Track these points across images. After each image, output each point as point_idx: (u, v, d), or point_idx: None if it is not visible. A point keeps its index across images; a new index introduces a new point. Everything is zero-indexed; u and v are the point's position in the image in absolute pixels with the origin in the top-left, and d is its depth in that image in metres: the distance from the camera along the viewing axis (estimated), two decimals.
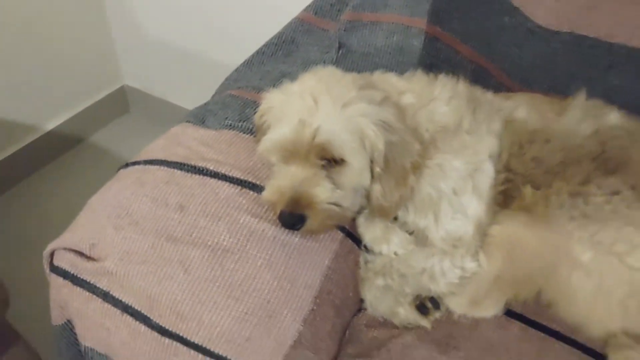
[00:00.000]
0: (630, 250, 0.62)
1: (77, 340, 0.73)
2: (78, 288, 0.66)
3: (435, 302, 0.69)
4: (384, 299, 0.68)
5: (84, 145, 1.82)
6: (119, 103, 1.91)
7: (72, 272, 0.67)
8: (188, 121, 0.76)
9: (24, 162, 1.65)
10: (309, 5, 0.92)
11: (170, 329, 0.61)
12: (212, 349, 0.60)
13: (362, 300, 0.70)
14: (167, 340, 0.62)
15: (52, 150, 1.73)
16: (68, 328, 0.73)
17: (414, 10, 0.81)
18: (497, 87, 0.77)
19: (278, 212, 0.62)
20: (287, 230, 0.63)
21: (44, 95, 1.65)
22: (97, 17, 1.71)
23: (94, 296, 0.65)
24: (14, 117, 1.59)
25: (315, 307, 0.63)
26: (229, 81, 0.85)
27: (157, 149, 0.72)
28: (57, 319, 0.73)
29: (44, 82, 1.63)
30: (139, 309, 0.63)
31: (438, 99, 0.70)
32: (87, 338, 0.69)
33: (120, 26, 1.74)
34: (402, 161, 0.65)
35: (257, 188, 0.66)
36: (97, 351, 0.68)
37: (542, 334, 0.67)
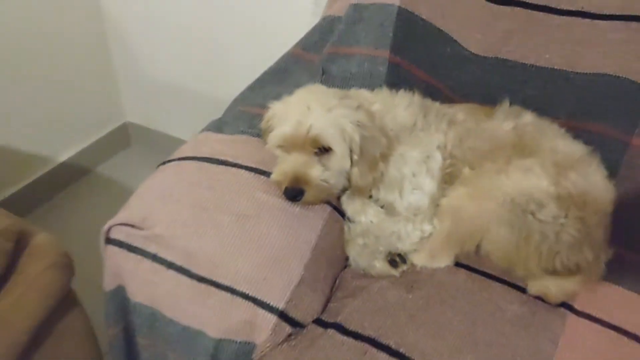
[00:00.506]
0: (540, 208, 0.86)
1: (124, 302, 0.93)
2: (131, 254, 0.87)
3: (402, 257, 0.91)
4: (363, 255, 0.91)
5: (91, 175, 2.01)
6: (122, 138, 2.11)
7: (126, 242, 0.88)
8: (208, 130, 0.99)
9: (39, 191, 1.85)
10: (298, 43, 1.17)
11: (205, 276, 0.82)
12: (237, 289, 0.81)
13: (347, 259, 0.93)
14: (203, 286, 0.83)
15: (63, 180, 1.92)
16: (118, 292, 0.93)
17: (378, 44, 1.07)
18: (444, 100, 1.02)
19: (283, 188, 0.85)
20: (290, 202, 0.87)
21: (57, 130, 1.85)
22: (103, 62, 1.93)
23: (145, 258, 0.86)
24: (31, 149, 1.79)
25: (312, 257, 0.85)
26: (237, 101, 1.09)
27: (187, 149, 0.95)
28: (109, 285, 0.93)
29: (56, 118, 1.83)
30: (180, 264, 0.84)
31: (398, 106, 0.95)
32: (137, 295, 0.89)
33: (123, 68, 1.95)
34: (373, 152, 0.89)
35: (266, 174, 0.89)
36: (144, 304, 0.88)
37: (482, 277, 0.89)
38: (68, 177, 1.93)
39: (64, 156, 1.90)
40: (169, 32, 1.72)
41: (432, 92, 1.03)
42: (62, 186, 1.91)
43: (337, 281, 0.91)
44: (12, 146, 1.71)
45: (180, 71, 1.82)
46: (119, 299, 0.93)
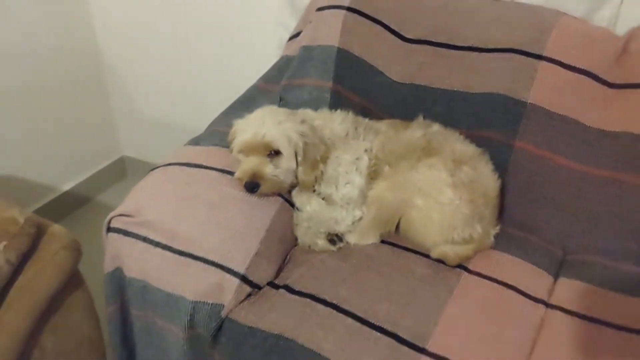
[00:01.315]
0: (440, 194, 1.12)
1: (121, 281, 1.17)
2: (127, 237, 1.12)
3: (339, 237, 1.16)
4: (308, 235, 1.16)
5: (91, 203, 2.25)
6: (119, 170, 2.35)
7: (123, 228, 1.12)
8: (188, 144, 1.27)
9: (45, 216, 2.05)
10: (261, 77, 1.46)
11: (184, 250, 1.07)
12: (209, 259, 1.06)
13: (296, 239, 1.19)
14: (182, 258, 1.07)
15: (66, 207, 2.15)
16: (116, 273, 1.17)
17: (324, 76, 1.35)
18: (374, 117, 1.30)
19: (244, 183, 1.12)
20: (249, 194, 1.13)
21: (60, 162, 2.07)
22: (101, 101, 2.17)
23: (138, 240, 1.11)
24: (38, 179, 2.03)
25: (266, 235, 1.11)
26: (212, 124, 1.36)
27: (171, 158, 1.21)
28: (108, 267, 1.17)
29: (60, 152, 2.06)
30: (165, 243, 1.09)
31: (335, 121, 1.22)
32: (132, 271, 1.13)
33: (119, 106, 2.19)
34: (314, 155, 1.15)
35: (231, 173, 1.15)
36: (137, 278, 1.12)
37: (400, 249, 1.15)
38: (70, 205, 2.15)
39: (66, 186, 2.12)
40: (161, 74, 2.01)
41: (365, 112, 1.30)
42: (66, 213, 2.13)
43: (288, 256, 1.16)
44: (20, 175, 1.94)
45: (170, 108, 2.09)
46: (116, 279, 1.17)
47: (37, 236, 1.09)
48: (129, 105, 2.18)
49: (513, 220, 1.18)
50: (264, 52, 1.65)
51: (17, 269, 1.05)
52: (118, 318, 1.21)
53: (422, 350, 0.94)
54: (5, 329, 1.03)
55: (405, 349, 0.95)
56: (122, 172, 2.35)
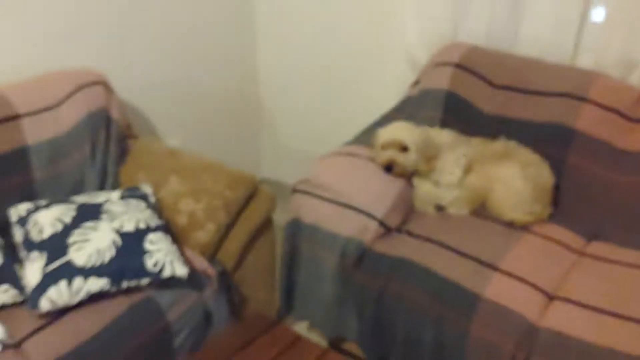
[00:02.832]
0: (512, 183, 1.69)
1: (296, 227, 1.79)
2: (306, 195, 1.76)
3: (442, 207, 1.76)
4: (422, 203, 1.76)
5: None
6: None
7: (304, 189, 1.77)
8: (347, 144, 1.92)
9: None
10: (392, 108, 2.11)
11: (343, 202, 1.69)
12: (359, 208, 1.67)
13: (413, 206, 1.79)
14: (341, 208, 1.69)
15: None
16: (294, 222, 1.80)
17: (436, 108, 1.99)
18: (470, 136, 1.92)
19: (383, 166, 1.75)
20: (386, 173, 1.75)
21: None
22: (252, 133, 2.88)
23: (313, 197, 1.75)
24: None
25: (395, 199, 1.71)
26: (359, 135, 2.02)
27: (336, 151, 1.87)
28: (289, 218, 1.82)
29: None
30: (331, 198, 1.72)
31: (443, 135, 1.84)
32: (307, 218, 1.75)
33: (267, 137, 2.95)
34: (429, 153, 1.77)
35: (374, 161, 1.80)
36: (309, 223, 1.73)
37: (484, 219, 1.72)
38: None
39: None
40: (305, 112, 2.70)
41: (463, 133, 1.93)
42: None
43: (408, 216, 1.77)
44: None
45: (309, 139, 2.74)
46: (294, 226, 1.80)
47: (256, 189, 1.77)
48: (274, 136, 2.83)
49: (562, 207, 1.74)
50: (387, 94, 2.31)
51: (244, 206, 1.72)
52: (289, 253, 1.84)
53: (495, 269, 1.50)
54: (235, 239, 1.69)
55: (484, 267, 1.52)
56: None
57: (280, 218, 1.82)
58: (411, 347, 1.57)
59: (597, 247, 1.59)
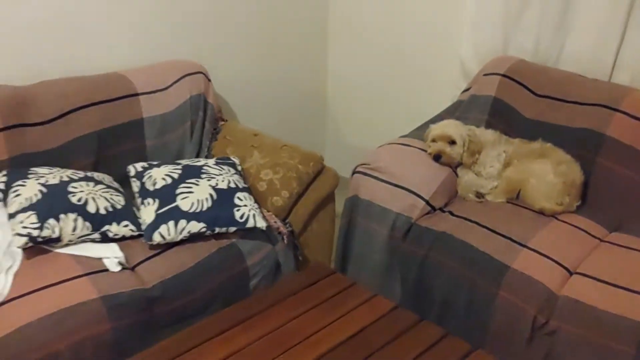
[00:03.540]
0: (545, 177, 1.93)
1: (354, 203, 2.08)
2: (364, 176, 2.03)
3: (482, 195, 2.01)
4: (465, 190, 2.01)
5: None
6: None
7: (363, 171, 2.04)
8: (402, 136, 2.21)
9: None
10: (442, 111, 2.39)
11: (396, 183, 1.97)
12: (409, 188, 1.95)
13: (456, 192, 2.05)
14: (394, 188, 1.96)
15: None
16: (353, 198, 2.09)
17: (483, 112, 2.26)
18: (511, 137, 2.17)
19: (433, 155, 2.02)
20: (434, 162, 2.03)
21: None
22: (318, 130, 3.29)
23: (371, 178, 2.03)
24: None
25: (441, 184, 1.98)
26: (414, 130, 2.30)
27: (394, 141, 2.16)
28: (349, 195, 2.12)
29: None
30: (385, 179, 1.99)
31: (487, 133, 2.10)
32: (364, 195, 2.03)
33: (330, 134, 3.30)
34: (474, 148, 2.03)
35: (424, 151, 2.07)
36: (366, 199, 2.01)
37: (517, 205, 1.96)
38: None
39: None
40: (365, 109, 3.02)
41: (506, 133, 2.18)
42: None
43: (451, 200, 2.03)
44: None
45: (367, 135, 3.07)
46: (352, 202, 2.08)
47: (323, 167, 2.08)
48: (337, 132, 3.16)
49: (589, 202, 1.96)
50: (441, 100, 2.58)
51: (313, 179, 2.04)
52: (346, 225, 2.12)
53: (524, 246, 1.75)
54: (304, 206, 1.99)
55: (514, 244, 1.76)
56: None
57: (337, 207, 2.11)
58: (446, 308, 1.83)
59: (617, 237, 1.81)
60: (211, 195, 1.74)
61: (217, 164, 1.89)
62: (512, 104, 2.18)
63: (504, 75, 2.22)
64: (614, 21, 2.04)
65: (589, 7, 2.09)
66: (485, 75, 2.29)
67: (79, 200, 1.62)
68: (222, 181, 1.79)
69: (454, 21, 2.47)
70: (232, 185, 1.79)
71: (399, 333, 1.43)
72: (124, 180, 1.88)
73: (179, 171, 1.80)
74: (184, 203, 1.70)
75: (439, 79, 2.59)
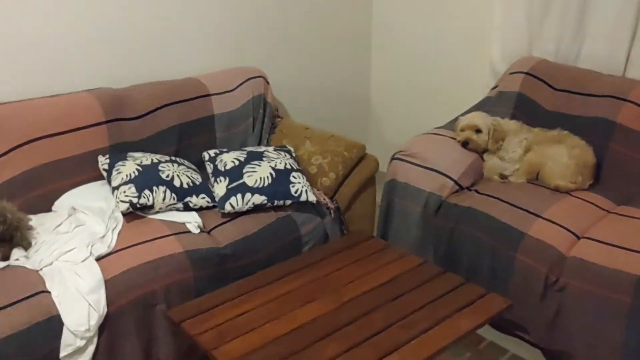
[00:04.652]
0: (560, 159, 2.19)
1: (392, 185, 2.39)
2: (401, 162, 2.34)
3: (505, 176, 2.27)
4: (490, 172, 2.29)
5: None
6: None
7: (400, 157, 2.34)
8: (437, 127, 2.51)
9: None
10: (473, 105, 2.68)
11: (428, 166, 2.26)
12: (441, 171, 2.24)
13: (482, 174, 2.33)
14: (427, 171, 2.25)
15: None
16: (391, 182, 2.39)
17: (508, 106, 2.54)
18: (532, 126, 2.43)
19: (461, 142, 2.32)
20: (462, 148, 2.32)
21: None
22: (362, 130, 3.66)
23: (406, 163, 2.33)
24: None
25: (468, 166, 2.27)
26: (448, 123, 2.60)
27: (430, 132, 2.47)
28: (387, 179, 2.43)
29: None
30: (421, 163, 2.29)
31: (510, 123, 2.37)
32: (401, 178, 2.32)
33: (373, 133, 3.63)
34: (498, 136, 2.31)
35: (454, 140, 2.37)
36: (403, 182, 2.31)
37: (536, 185, 2.22)
38: None
39: None
40: (405, 108, 3.34)
41: (528, 124, 2.44)
42: None
43: (477, 182, 2.31)
44: None
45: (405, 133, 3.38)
46: (391, 185, 2.40)
47: (365, 154, 2.41)
48: (378, 131, 3.47)
49: (601, 182, 2.20)
50: (473, 96, 2.86)
51: (356, 164, 2.37)
52: (386, 204, 2.43)
53: (538, 216, 2.00)
54: (348, 187, 2.31)
55: (530, 215, 2.02)
56: None
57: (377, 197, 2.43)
58: (473, 272, 2.10)
59: (624, 209, 2.03)
60: (271, 174, 2.09)
61: (275, 150, 2.25)
62: (534, 98, 2.45)
63: (527, 73, 2.49)
64: (624, 24, 2.29)
65: (603, 12, 2.34)
66: (511, 73, 2.57)
67: (167, 176, 2.01)
68: (280, 163, 2.15)
69: (484, 27, 2.76)
70: (288, 166, 2.15)
71: (425, 281, 1.73)
72: (198, 165, 2.26)
73: (245, 155, 2.17)
74: (249, 180, 2.06)
75: (471, 79, 2.88)
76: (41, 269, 1.70)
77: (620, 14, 2.29)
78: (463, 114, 2.48)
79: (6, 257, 1.72)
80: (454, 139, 2.35)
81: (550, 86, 2.41)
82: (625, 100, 2.18)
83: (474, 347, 2.10)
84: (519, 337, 2.09)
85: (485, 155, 2.32)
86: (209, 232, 1.98)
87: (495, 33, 2.71)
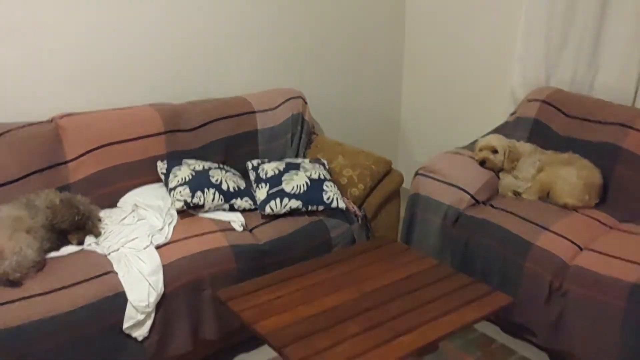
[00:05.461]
0: (569, 179, 2.40)
1: (415, 199, 2.63)
2: (423, 177, 2.59)
3: (518, 193, 2.48)
4: (504, 189, 2.51)
5: None
6: None
7: (423, 173, 2.56)
8: (458, 147, 2.76)
9: None
10: (495, 128, 2.91)
11: (448, 182, 2.48)
12: (458, 185, 2.48)
13: (497, 190, 2.55)
14: (446, 186, 2.50)
15: None
16: (414, 196, 2.66)
17: (525, 130, 2.76)
18: (545, 149, 2.65)
19: (479, 161, 2.55)
20: (480, 166, 2.55)
21: None
22: (391, 145, 3.92)
23: (428, 178, 2.56)
24: None
25: (484, 184, 2.50)
26: (469, 144, 2.84)
27: (450, 151, 2.71)
28: (410, 193, 2.68)
29: None
30: (440, 178, 2.52)
31: (525, 146, 2.59)
32: (423, 191, 2.56)
33: (402, 148, 3.88)
34: (513, 156, 2.54)
35: (472, 159, 2.61)
36: (424, 195, 2.55)
37: (547, 202, 2.43)
38: None
39: None
40: (432, 129, 3.59)
41: (542, 147, 2.66)
42: None
43: (493, 197, 2.54)
44: None
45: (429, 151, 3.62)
46: (413, 198, 2.64)
47: (391, 169, 2.66)
48: (406, 150, 3.73)
49: (607, 201, 2.40)
50: (494, 122, 3.09)
51: (383, 177, 2.62)
52: (409, 216, 2.68)
53: (546, 229, 2.22)
54: (375, 198, 2.56)
55: (539, 227, 2.23)
56: None
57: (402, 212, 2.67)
58: (485, 278, 2.31)
59: (626, 226, 2.22)
60: (306, 183, 2.36)
61: (310, 162, 2.53)
62: (548, 123, 2.67)
63: (543, 101, 2.73)
64: (633, 58, 2.51)
65: (614, 46, 2.57)
66: (529, 101, 2.80)
67: (217, 180, 2.31)
68: (315, 173, 2.42)
69: (505, 58, 3.01)
70: (322, 176, 2.42)
71: (438, 279, 1.95)
72: (243, 173, 2.56)
73: (284, 165, 2.46)
74: (287, 186, 2.34)
75: (492, 105, 3.12)
76: (109, 254, 1.99)
77: (630, 48, 2.50)
78: (483, 136, 2.71)
79: (81, 242, 2.02)
80: (473, 158, 2.57)
81: (564, 113, 2.63)
82: (631, 127, 2.38)
83: (485, 348, 2.30)
84: (527, 341, 2.28)
85: (500, 174, 2.55)
86: (250, 231, 2.26)
87: (516, 63, 2.95)
